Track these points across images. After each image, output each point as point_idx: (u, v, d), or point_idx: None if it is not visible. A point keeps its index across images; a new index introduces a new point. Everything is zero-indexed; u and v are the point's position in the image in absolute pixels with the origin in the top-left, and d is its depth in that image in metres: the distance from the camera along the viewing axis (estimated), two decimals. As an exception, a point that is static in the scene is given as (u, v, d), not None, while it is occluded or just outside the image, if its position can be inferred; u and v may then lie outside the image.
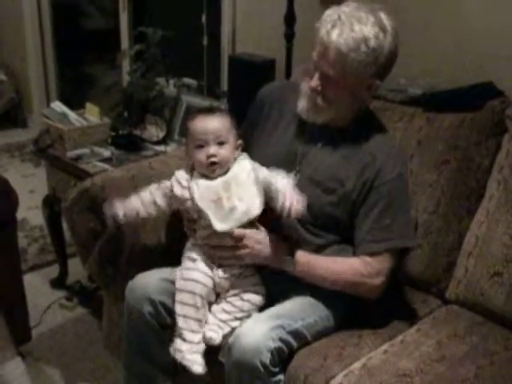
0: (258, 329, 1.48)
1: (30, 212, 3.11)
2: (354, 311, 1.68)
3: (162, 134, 2.67)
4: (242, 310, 1.63)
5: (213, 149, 1.62)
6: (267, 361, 1.44)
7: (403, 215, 1.62)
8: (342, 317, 1.66)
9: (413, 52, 2.25)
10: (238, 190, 1.61)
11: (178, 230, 1.76)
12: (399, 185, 1.61)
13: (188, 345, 1.59)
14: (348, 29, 1.49)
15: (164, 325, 1.67)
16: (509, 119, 1.79)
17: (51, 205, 2.56)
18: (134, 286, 1.69)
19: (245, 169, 1.65)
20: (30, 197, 3.22)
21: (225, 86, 3.00)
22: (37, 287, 2.64)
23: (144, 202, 1.67)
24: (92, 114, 2.63)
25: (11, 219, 2.06)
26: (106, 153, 2.51)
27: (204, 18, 3.10)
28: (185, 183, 1.65)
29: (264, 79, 2.63)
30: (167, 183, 1.68)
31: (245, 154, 1.70)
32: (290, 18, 2.48)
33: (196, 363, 1.58)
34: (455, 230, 1.82)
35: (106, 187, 1.89)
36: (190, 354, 1.59)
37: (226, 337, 1.59)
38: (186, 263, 1.67)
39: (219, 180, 1.63)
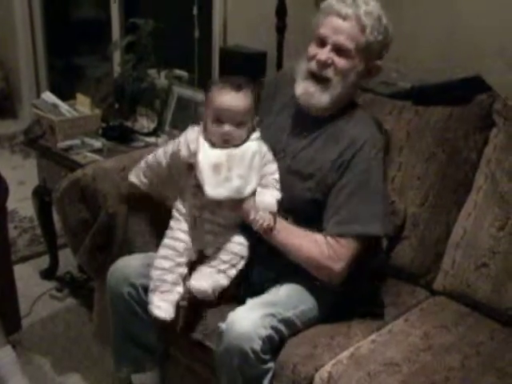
0: (251, 316, 1.49)
1: (20, 203, 3.10)
2: (343, 301, 1.69)
3: (152, 126, 2.68)
4: (225, 262, 1.65)
5: (230, 128, 1.61)
6: (258, 348, 1.46)
7: (374, 200, 1.60)
8: (332, 306, 1.68)
9: (403, 46, 2.26)
10: (239, 165, 1.61)
11: (168, 219, 1.77)
12: (374, 168, 1.60)
13: (160, 294, 1.62)
14: (364, 5, 1.57)
15: (145, 308, 1.67)
16: (496, 113, 1.82)
17: (41, 196, 2.56)
18: (115, 268, 1.71)
19: (253, 151, 1.64)
20: (20, 188, 3.21)
21: (216, 78, 3.00)
22: (27, 278, 2.64)
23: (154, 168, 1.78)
24: (83, 105, 2.63)
25: (1, 208, 2.05)
26: (97, 144, 2.51)
27: (195, 10, 3.09)
28: (193, 146, 1.64)
29: (255, 71, 2.65)
30: (175, 146, 1.69)
31: (257, 132, 1.68)
32: (281, 11, 2.49)
33: (162, 308, 1.61)
34: (443, 221, 1.84)
35: (97, 178, 1.90)
36: (159, 302, 1.61)
37: (214, 291, 1.62)
38: (170, 223, 1.71)
39: (226, 150, 1.63)
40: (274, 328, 1.51)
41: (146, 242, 1.87)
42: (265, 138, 1.71)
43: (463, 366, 1.48)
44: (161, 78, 2.75)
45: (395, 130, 1.92)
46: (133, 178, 1.83)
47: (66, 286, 2.63)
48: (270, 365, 1.52)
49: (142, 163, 1.81)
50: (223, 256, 1.66)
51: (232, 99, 1.62)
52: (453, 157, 1.84)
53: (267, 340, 1.48)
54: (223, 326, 1.52)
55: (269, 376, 1.51)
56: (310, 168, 1.64)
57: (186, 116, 2.62)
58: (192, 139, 1.65)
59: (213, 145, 1.64)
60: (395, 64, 2.07)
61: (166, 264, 1.64)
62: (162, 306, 1.61)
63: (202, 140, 1.65)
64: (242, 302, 1.60)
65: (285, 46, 2.53)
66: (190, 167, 1.66)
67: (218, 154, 1.62)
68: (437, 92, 1.96)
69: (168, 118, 2.70)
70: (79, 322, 2.42)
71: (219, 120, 1.62)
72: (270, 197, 1.63)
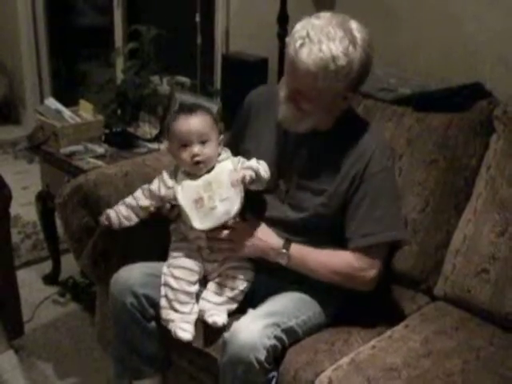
0: (254, 326, 1.50)
1: (24, 208, 3.12)
2: (345, 308, 1.70)
3: (155, 132, 2.69)
4: (233, 288, 1.67)
5: (197, 148, 1.65)
6: (262, 358, 1.46)
7: (393, 207, 1.64)
8: (334, 313, 1.69)
9: (403, 52, 2.28)
10: (219, 190, 1.64)
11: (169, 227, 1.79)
12: (388, 176, 1.63)
13: (179, 314, 1.64)
14: (316, 48, 1.46)
15: (147, 317, 1.70)
16: (496, 119, 1.82)
17: (44, 201, 2.57)
18: (118, 278, 1.72)
19: (226, 169, 1.67)
20: (24, 193, 3.23)
21: (218, 85, 3.02)
22: (30, 283, 2.65)
23: (131, 206, 1.77)
24: (86, 111, 2.64)
25: (4, 214, 2.07)
26: (100, 150, 2.52)
27: (198, 17, 3.11)
28: (170, 183, 1.70)
29: (257, 78, 2.67)
30: (152, 186, 1.74)
31: (227, 151, 1.73)
32: (282, 18, 2.50)
33: (187, 331, 1.63)
34: (443, 228, 1.85)
35: (99, 184, 1.91)
36: (182, 323, 1.63)
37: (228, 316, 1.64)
38: (173, 246, 1.74)
39: (201, 180, 1.67)
40: (277, 338, 1.51)
41: (147, 249, 1.88)
42: (265, 152, 1.71)
43: (463, 371, 1.48)
44: (163, 85, 2.77)
45: (395, 136, 1.93)
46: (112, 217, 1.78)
47: (68, 291, 2.64)
48: (274, 373, 1.53)
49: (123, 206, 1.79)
50: (231, 283, 1.67)
51: (189, 121, 1.68)
52: (453, 163, 1.85)
53: (271, 350, 1.49)
54: (227, 335, 1.53)
55: None
56: (319, 183, 1.64)
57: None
58: (167, 178, 1.71)
59: (188, 175, 1.68)
60: (394, 70, 2.07)
61: (178, 285, 1.66)
62: (185, 328, 1.63)
63: (176, 183, 1.69)
64: (243, 310, 1.62)
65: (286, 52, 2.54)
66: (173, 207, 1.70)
67: (195, 188, 1.65)
68: (437, 98, 1.96)
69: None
70: (81, 327, 2.43)
71: (185, 145, 1.67)
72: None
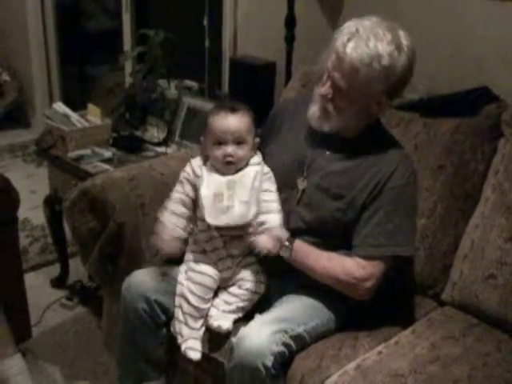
0: (263, 332, 1.49)
1: (32, 212, 3.12)
2: (353, 314, 1.69)
3: (162, 136, 2.70)
4: (243, 300, 1.67)
5: (231, 148, 1.64)
6: (269, 364, 1.46)
7: (406, 223, 1.63)
8: (343, 319, 1.68)
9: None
10: (241, 192, 1.63)
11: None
12: (407, 192, 1.62)
13: (190, 330, 1.64)
14: (363, 43, 1.50)
15: (159, 323, 1.70)
16: (504, 124, 1.81)
17: (52, 204, 2.58)
18: (131, 282, 1.72)
19: (253, 173, 1.66)
20: (32, 197, 3.24)
21: (226, 88, 3.03)
22: (38, 286, 2.66)
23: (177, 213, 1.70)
24: (94, 115, 2.66)
25: (12, 218, 2.08)
26: (107, 153, 2.53)
27: (206, 21, 3.12)
28: (198, 171, 1.68)
29: (264, 81, 2.68)
30: (184, 174, 1.71)
31: (260, 156, 1.72)
32: (290, 22, 2.51)
33: (195, 350, 1.63)
34: (451, 233, 1.84)
35: (106, 188, 1.91)
36: (191, 340, 1.63)
37: (235, 323, 1.64)
38: (190, 257, 1.72)
39: (227, 177, 1.65)
40: (285, 344, 1.51)
41: (154, 254, 1.88)
42: (287, 153, 1.72)
43: (470, 378, 1.47)
44: (171, 89, 2.78)
45: (403, 142, 1.89)
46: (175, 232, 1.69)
47: (76, 294, 2.64)
48: (280, 379, 1.52)
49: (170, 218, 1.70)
50: (242, 295, 1.67)
51: (229, 120, 1.66)
52: (461, 168, 1.84)
53: (278, 356, 1.49)
54: (234, 340, 1.53)
55: None
56: (338, 188, 1.64)
57: (196, 126, 2.64)
58: (197, 165, 1.69)
59: (217, 171, 1.66)
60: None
61: (194, 301, 1.65)
62: (194, 346, 1.63)
63: (204, 169, 1.68)
64: (251, 315, 1.61)
65: (294, 56, 2.55)
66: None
67: (219, 183, 1.64)
68: (444, 104, 1.95)
69: (178, 128, 2.72)
70: (89, 331, 2.44)
71: (220, 143, 1.65)
72: (272, 221, 1.63)
